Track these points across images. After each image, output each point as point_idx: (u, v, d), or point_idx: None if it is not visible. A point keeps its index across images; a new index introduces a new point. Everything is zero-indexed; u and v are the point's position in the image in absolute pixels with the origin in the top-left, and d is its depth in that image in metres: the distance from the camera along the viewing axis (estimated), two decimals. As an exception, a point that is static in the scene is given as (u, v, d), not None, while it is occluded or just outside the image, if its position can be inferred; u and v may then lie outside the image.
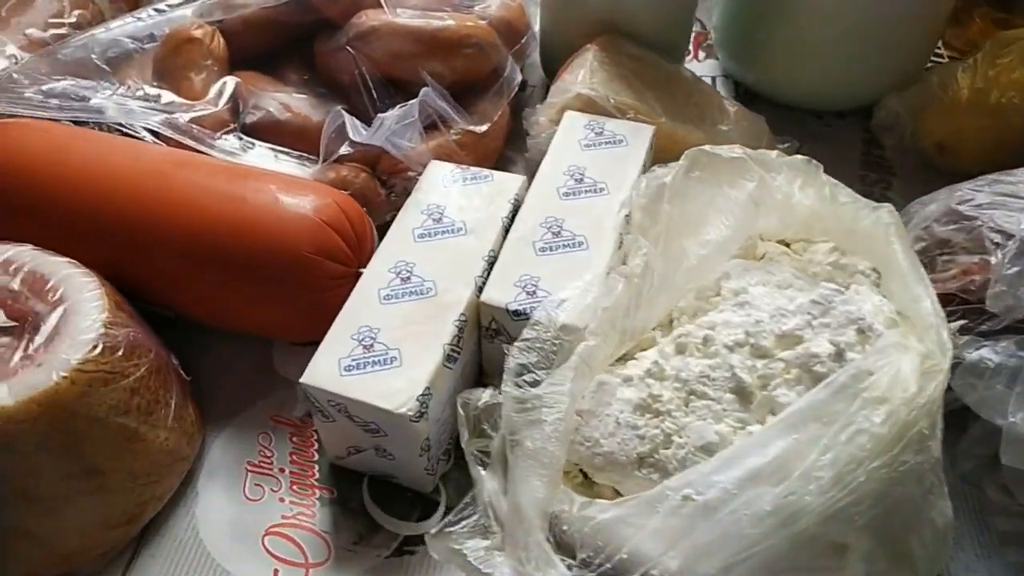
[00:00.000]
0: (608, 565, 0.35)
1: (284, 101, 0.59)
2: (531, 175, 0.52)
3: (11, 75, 0.56)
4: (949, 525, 0.37)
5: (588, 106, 0.56)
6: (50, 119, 0.55)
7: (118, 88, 0.57)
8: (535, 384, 0.40)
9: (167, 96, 0.57)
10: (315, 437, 0.49)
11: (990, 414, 0.42)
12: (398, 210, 0.51)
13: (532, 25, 0.65)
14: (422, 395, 0.41)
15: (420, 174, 0.53)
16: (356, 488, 0.47)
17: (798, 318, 0.39)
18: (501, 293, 0.45)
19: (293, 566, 0.44)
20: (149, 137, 0.55)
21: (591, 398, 0.41)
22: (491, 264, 0.47)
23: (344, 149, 0.55)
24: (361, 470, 0.47)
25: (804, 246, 0.47)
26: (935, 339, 0.37)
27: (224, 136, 0.55)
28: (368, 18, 0.58)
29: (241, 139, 0.56)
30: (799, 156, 0.44)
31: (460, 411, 0.41)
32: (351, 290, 0.46)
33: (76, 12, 0.63)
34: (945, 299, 0.42)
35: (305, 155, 0.57)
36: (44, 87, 0.56)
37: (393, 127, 0.53)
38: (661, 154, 0.53)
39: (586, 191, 0.50)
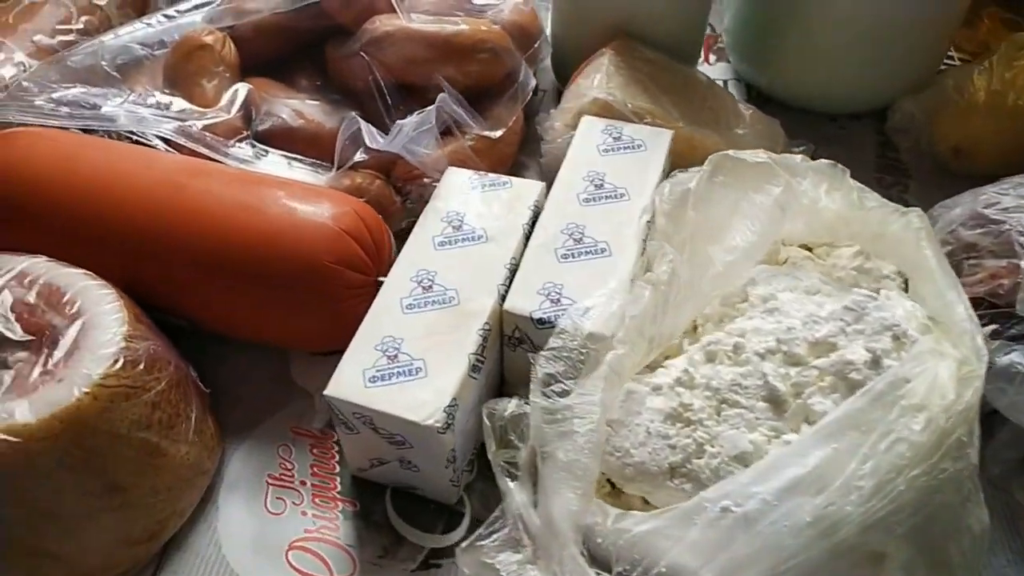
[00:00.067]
0: (645, 578, 0.34)
1: (297, 108, 0.58)
2: (545, 180, 0.52)
3: (20, 83, 0.55)
4: (986, 532, 0.36)
5: (605, 111, 0.55)
6: (60, 127, 0.54)
7: (129, 95, 0.56)
8: (564, 394, 0.39)
9: (179, 103, 0.56)
10: (336, 448, 0.49)
11: (1020, 418, 0.42)
12: (413, 217, 0.51)
13: (544, 29, 0.65)
14: (449, 406, 0.41)
15: (436, 181, 0.53)
16: (379, 500, 0.47)
17: (831, 325, 0.39)
18: (525, 301, 0.45)
19: (318, 581, 0.44)
20: (161, 145, 0.54)
21: (620, 407, 0.40)
22: (513, 272, 0.47)
23: (358, 156, 0.55)
24: (384, 482, 0.47)
25: (827, 250, 0.47)
26: (970, 345, 0.37)
27: (237, 144, 0.55)
28: (382, 23, 0.58)
29: (254, 146, 0.55)
30: (824, 160, 0.44)
31: (486, 421, 0.41)
32: (369, 299, 0.46)
33: (84, 18, 0.62)
34: (973, 303, 0.41)
35: (318, 162, 0.56)
36: (54, 95, 0.55)
37: (411, 134, 0.52)
38: (678, 159, 0.52)
39: (606, 197, 0.50)
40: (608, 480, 0.41)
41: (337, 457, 0.48)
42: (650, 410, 0.40)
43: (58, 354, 0.41)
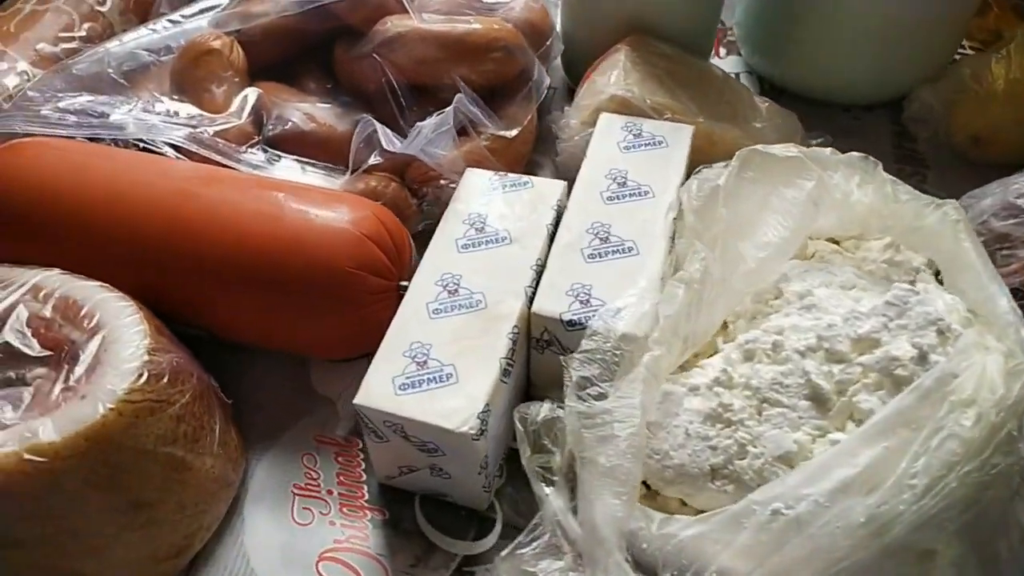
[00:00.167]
0: (695, 584, 0.34)
1: (308, 111, 0.57)
2: (561, 178, 0.51)
3: (25, 92, 0.54)
4: (1034, 527, 0.36)
5: (623, 107, 0.55)
6: (68, 137, 0.53)
7: (137, 103, 0.55)
8: (600, 397, 0.38)
9: (188, 109, 0.55)
10: (361, 456, 0.48)
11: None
12: (429, 219, 0.50)
13: (555, 27, 0.64)
14: (482, 412, 0.40)
15: (452, 182, 0.52)
16: (408, 508, 0.46)
17: (873, 320, 0.38)
18: (553, 303, 0.44)
19: (350, 593, 0.43)
20: (171, 152, 0.53)
21: (657, 409, 0.39)
22: (539, 273, 0.46)
23: (372, 159, 0.54)
24: (412, 489, 0.46)
25: (855, 243, 0.46)
26: (1014, 338, 0.36)
27: (250, 149, 0.54)
28: (394, 24, 0.57)
29: (267, 152, 0.54)
30: (855, 153, 0.43)
31: (518, 426, 0.40)
32: (392, 305, 0.45)
33: (86, 25, 0.61)
34: (1008, 294, 0.41)
35: (331, 166, 0.55)
36: (60, 104, 0.54)
37: (429, 136, 0.51)
38: (698, 154, 0.52)
39: (630, 194, 0.49)
40: (643, 483, 0.40)
41: (363, 465, 0.48)
42: (688, 411, 0.39)
43: (79, 369, 0.40)
